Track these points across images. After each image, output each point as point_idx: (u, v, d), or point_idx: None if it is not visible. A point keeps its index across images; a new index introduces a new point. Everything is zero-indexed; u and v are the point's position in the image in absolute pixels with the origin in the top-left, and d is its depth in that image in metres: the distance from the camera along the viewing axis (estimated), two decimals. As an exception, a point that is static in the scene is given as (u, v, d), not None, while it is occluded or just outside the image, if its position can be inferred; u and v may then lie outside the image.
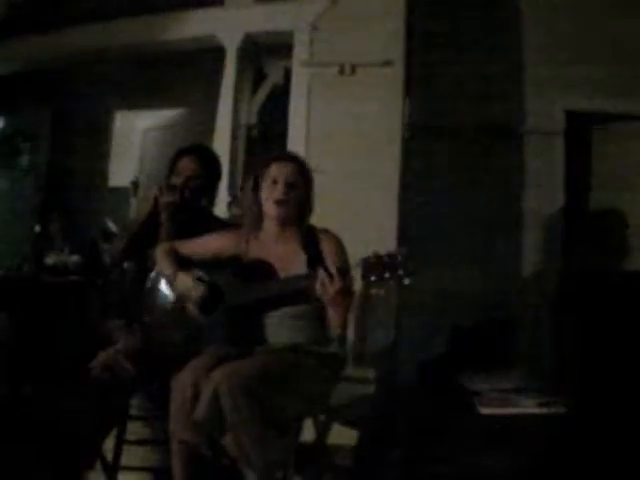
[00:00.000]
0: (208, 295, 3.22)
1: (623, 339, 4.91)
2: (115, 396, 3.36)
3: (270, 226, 3.30)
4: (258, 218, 3.32)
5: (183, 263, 3.36)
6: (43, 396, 3.99)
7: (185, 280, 3.28)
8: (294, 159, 3.35)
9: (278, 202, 3.22)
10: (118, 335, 3.57)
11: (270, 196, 3.24)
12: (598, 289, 5.35)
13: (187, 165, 3.83)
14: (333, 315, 3.05)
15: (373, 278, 2.74)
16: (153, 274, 3.52)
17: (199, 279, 3.25)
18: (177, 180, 3.78)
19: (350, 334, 3.32)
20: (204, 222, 3.70)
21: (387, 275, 2.72)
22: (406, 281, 2.73)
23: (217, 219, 3.97)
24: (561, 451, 3.65)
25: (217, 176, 3.99)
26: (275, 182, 3.23)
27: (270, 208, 3.25)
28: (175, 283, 3.32)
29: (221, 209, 5.23)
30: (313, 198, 3.34)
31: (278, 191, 3.22)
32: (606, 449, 3.60)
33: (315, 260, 3.13)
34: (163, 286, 3.44)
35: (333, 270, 2.84)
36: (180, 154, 3.89)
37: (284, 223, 3.28)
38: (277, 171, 3.25)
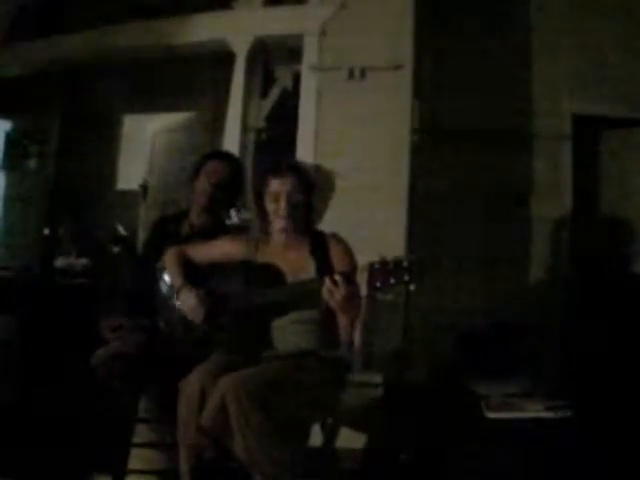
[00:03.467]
0: (206, 320, 3.24)
1: (631, 343, 4.90)
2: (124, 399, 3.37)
3: (279, 235, 3.31)
4: (266, 230, 3.34)
5: (192, 268, 3.39)
6: (52, 398, 3.99)
7: (187, 299, 3.30)
8: (292, 170, 3.34)
9: (284, 217, 3.24)
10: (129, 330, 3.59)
11: (275, 212, 3.27)
12: (605, 293, 5.34)
13: (217, 167, 3.92)
14: (342, 320, 3.06)
15: (379, 284, 2.73)
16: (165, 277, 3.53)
17: (201, 301, 3.27)
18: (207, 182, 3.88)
19: (357, 339, 3.31)
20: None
21: (393, 281, 2.72)
22: (412, 287, 2.72)
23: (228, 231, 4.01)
24: (568, 455, 3.64)
25: (240, 183, 4.09)
26: (277, 199, 3.25)
27: (277, 222, 3.28)
28: (179, 298, 3.34)
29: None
30: (315, 199, 3.36)
31: (282, 208, 3.24)
32: (613, 453, 3.60)
33: (324, 265, 3.14)
34: (169, 291, 3.46)
35: (338, 276, 2.84)
36: (210, 156, 4.01)
37: (292, 232, 3.29)
38: (278, 187, 3.27)
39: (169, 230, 3.92)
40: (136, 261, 4.41)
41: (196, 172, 3.96)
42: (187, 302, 3.30)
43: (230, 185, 3.94)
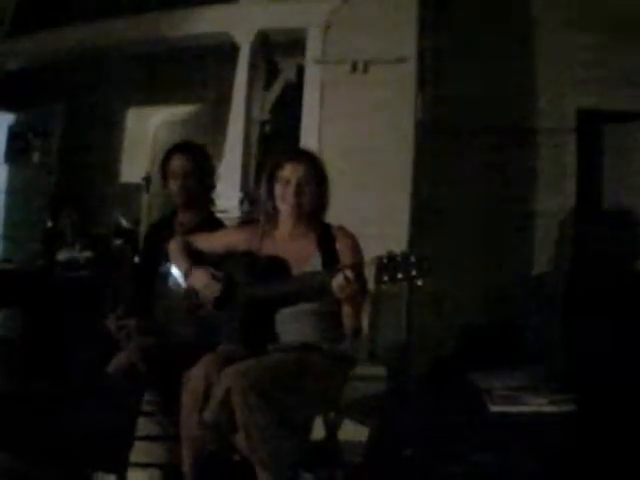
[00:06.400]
0: (223, 294, 3.22)
1: (633, 338, 4.90)
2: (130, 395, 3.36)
3: (285, 223, 3.30)
4: (273, 216, 3.31)
5: (196, 258, 3.38)
6: (55, 393, 3.98)
7: (200, 277, 3.28)
8: (306, 157, 3.32)
9: (291, 204, 3.22)
10: (130, 332, 3.57)
11: (283, 197, 3.23)
12: (608, 288, 5.34)
13: (178, 163, 3.85)
14: (348, 312, 3.05)
15: (386, 278, 2.72)
16: (164, 268, 3.52)
17: (214, 277, 3.25)
18: (175, 182, 3.81)
19: (362, 332, 3.30)
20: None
21: (400, 276, 2.70)
22: (419, 282, 2.70)
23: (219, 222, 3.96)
24: (572, 449, 3.65)
25: (211, 171, 4.00)
26: (288, 183, 3.23)
27: (284, 208, 3.25)
28: (190, 279, 3.32)
29: (231, 205, 5.25)
30: (328, 194, 3.33)
31: (290, 193, 3.21)
32: (616, 446, 3.60)
33: (330, 258, 3.13)
34: (174, 281, 3.45)
35: (349, 272, 2.82)
36: (170, 153, 3.92)
37: (299, 220, 3.27)
38: (289, 172, 3.23)
39: (163, 235, 3.86)
40: (137, 264, 4.39)
41: (164, 175, 3.88)
42: (200, 279, 3.27)
43: (199, 175, 3.85)
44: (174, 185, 3.82)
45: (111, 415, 3.32)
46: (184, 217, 3.87)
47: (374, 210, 4.99)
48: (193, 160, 3.85)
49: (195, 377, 2.94)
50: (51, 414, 3.76)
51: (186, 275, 3.34)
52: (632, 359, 4.77)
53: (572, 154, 5.74)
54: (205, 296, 3.26)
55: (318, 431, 3.31)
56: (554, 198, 5.74)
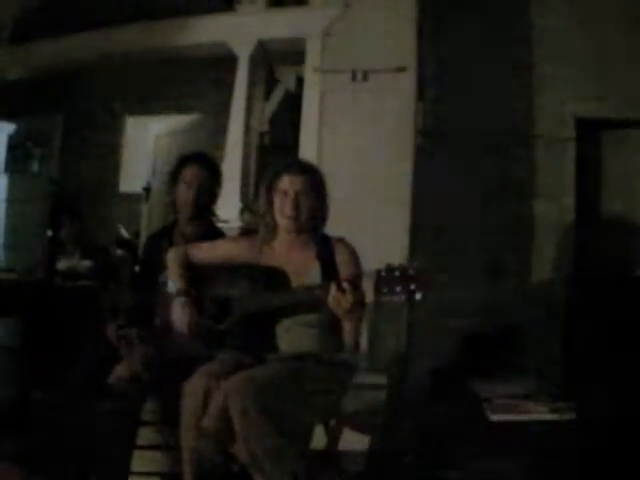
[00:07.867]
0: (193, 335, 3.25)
1: (634, 345, 4.90)
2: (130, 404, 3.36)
3: (284, 234, 3.30)
4: (272, 228, 3.31)
5: (194, 270, 3.38)
6: (53, 402, 3.98)
7: (176, 309, 3.30)
8: (305, 169, 3.32)
9: (288, 216, 3.22)
10: (131, 342, 3.57)
11: (281, 209, 3.24)
12: (608, 295, 5.34)
13: (194, 173, 3.85)
14: (346, 325, 3.05)
15: (385, 291, 2.73)
16: (163, 278, 3.52)
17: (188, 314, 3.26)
18: (188, 191, 3.81)
19: (362, 342, 3.30)
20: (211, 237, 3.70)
21: (399, 289, 2.71)
22: (418, 296, 2.71)
23: (221, 233, 3.97)
24: (572, 457, 3.64)
25: (219, 183, 4.00)
26: (286, 194, 3.23)
27: (282, 220, 3.25)
28: (173, 307, 3.32)
29: (231, 215, 5.25)
30: (327, 206, 3.32)
31: (288, 205, 3.22)
32: (616, 454, 3.60)
33: (329, 269, 3.13)
34: (171, 289, 3.45)
35: (346, 284, 2.83)
36: (184, 162, 3.92)
37: (298, 232, 3.27)
38: (288, 183, 3.23)
39: (163, 245, 3.85)
40: (137, 275, 4.39)
41: (174, 181, 3.88)
42: (175, 312, 3.30)
43: (210, 186, 3.88)
44: (186, 193, 3.82)
45: (112, 424, 3.34)
46: (186, 227, 3.87)
47: (374, 220, 4.99)
48: (207, 170, 3.87)
49: (194, 387, 2.94)
50: (52, 423, 3.78)
51: (177, 295, 3.34)
52: (633, 365, 4.77)
53: (571, 161, 5.74)
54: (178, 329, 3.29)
55: (319, 440, 3.31)
56: (553, 205, 5.74)
